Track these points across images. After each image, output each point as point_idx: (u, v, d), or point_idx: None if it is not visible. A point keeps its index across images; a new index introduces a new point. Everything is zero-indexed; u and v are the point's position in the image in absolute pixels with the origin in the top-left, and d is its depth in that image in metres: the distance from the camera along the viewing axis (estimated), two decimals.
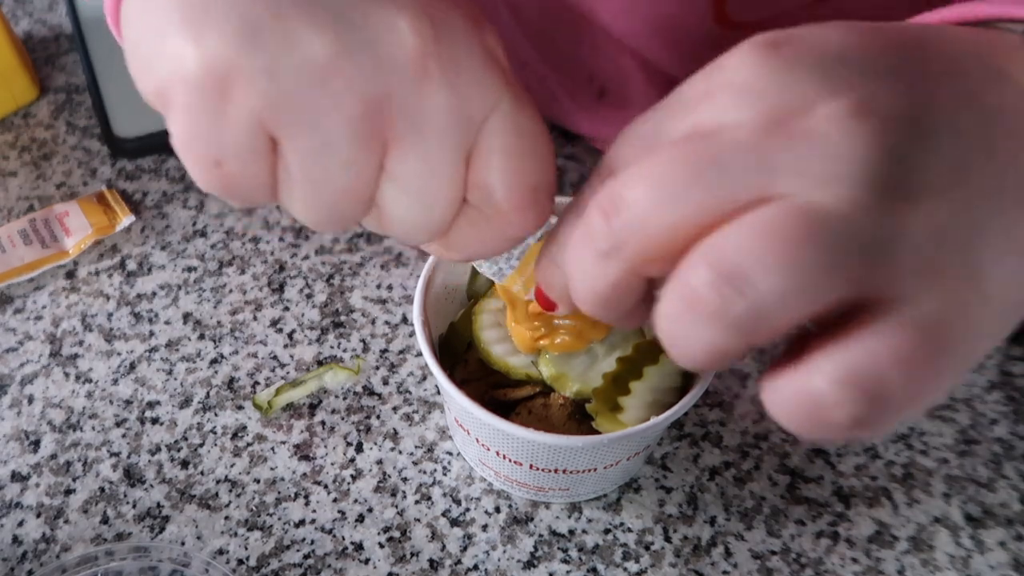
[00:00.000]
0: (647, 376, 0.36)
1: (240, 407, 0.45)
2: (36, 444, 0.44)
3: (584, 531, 0.41)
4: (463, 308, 0.41)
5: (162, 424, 0.45)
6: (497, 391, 0.39)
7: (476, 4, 0.27)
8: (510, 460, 0.38)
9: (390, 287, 0.50)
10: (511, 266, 0.31)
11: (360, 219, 0.26)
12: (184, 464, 0.43)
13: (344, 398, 0.45)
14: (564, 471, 0.38)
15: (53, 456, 0.43)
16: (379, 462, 0.43)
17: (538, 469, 0.38)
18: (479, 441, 0.38)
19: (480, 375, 0.39)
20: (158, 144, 0.55)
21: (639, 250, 0.22)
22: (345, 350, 0.47)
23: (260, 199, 0.25)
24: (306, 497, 0.42)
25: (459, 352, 0.40)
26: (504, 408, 0.38)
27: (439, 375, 0.36)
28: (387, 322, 0.48)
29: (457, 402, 0.36)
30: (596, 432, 0.36)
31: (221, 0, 0.23)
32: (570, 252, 0.24)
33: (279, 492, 0.42)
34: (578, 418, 0.38)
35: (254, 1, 0.23)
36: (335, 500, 0.42)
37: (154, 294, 0.49)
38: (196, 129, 0.24)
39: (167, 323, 0.48)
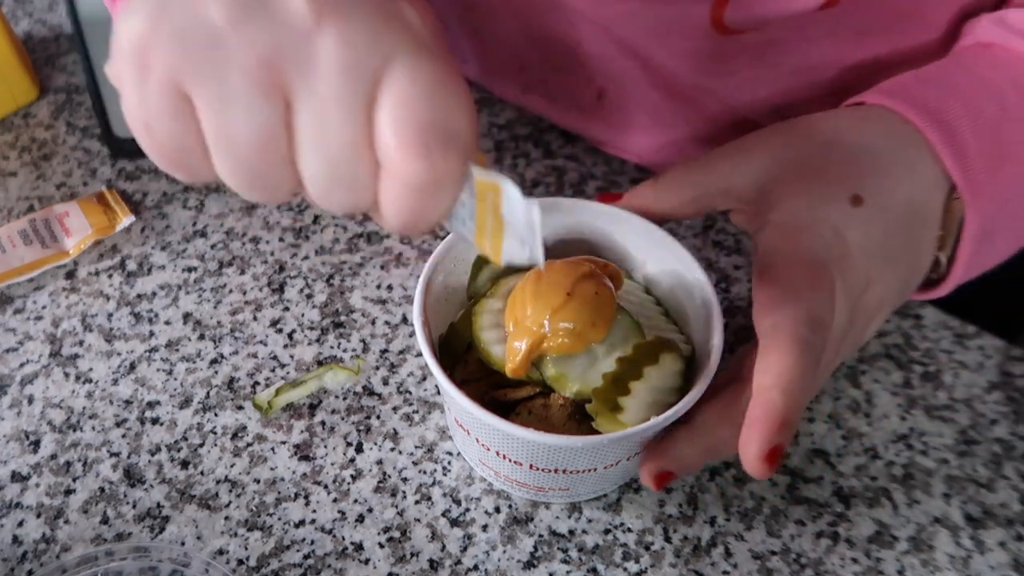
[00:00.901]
0: (647, 376, 0.36)
1: (240, 407, 0.45)
2: (36, 444, 0.44)
3: (584, 531, 0.41)
4: (463, 308, 0.41)
5: (162, 424, 0.45)
6: (497, 391, 0.39)
7: None
8: (510, 460, 0.38)
9: (390, 287, 0.50)
10: (468, 229, 0.29)
11: (287, 185, 0.27)
12: (184, 464, 0.43)
13: (344, 398, 0.45)
14: (564, 471, 0.38)
15: (53, 456, 0.43)
16: (379, 462, 0.43)
17: (538, 469, 0.38)
18: (479, 441, 0.38)
19: (480, 375, 0.39)
20: None
21: None
22: (345, 350, 0.47)
23: (195, 167, 0.27)
24: (306, 497, 0.42)
25: (459, 352, 0.40)
26: (504, 408, 0.38)
27: (439, 375, 0.36)
28: (387, 322, 0.48)
29: (457, 402, 0.36)
30: (596, 432, 0.36)
31: None
32: None
33: (279, 492, 0.42)
34: (578, 418, 0.38)
35: None
36: (335, 500, 0.42)
37: (154, 294, 0.49)
38: (131, 99, 0.27)
39: (167, 323, 0.48)
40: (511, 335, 0.37)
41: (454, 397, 0.36)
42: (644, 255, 0.42)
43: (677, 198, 0.41)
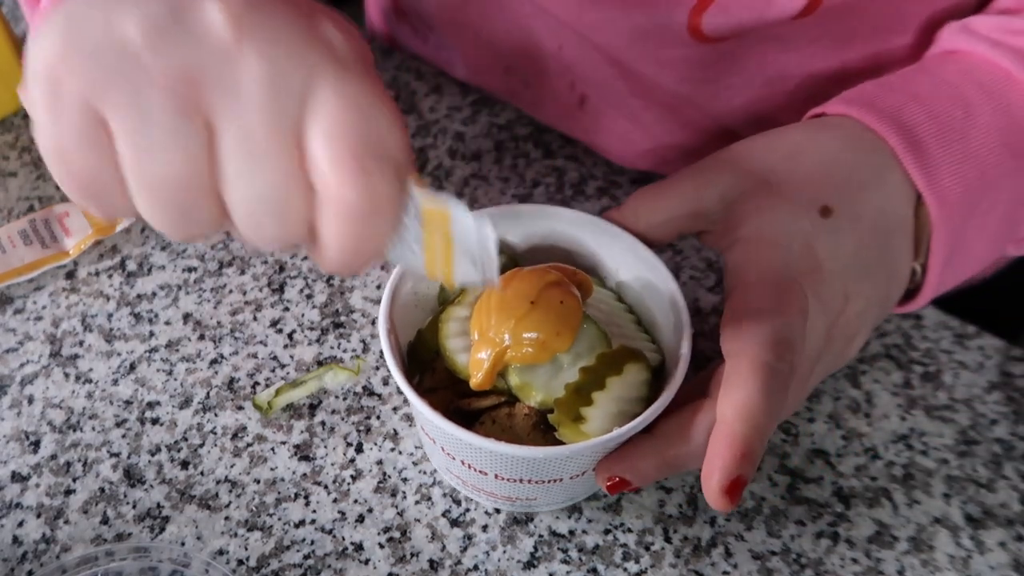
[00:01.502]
0: (610, 387, 0.36)
1: (240, 407, 0.45)
2: (36, 444, 0.44)
3: (584, 531, 0.41)
4: (433, 315, 0.40)
5: (162, 424, 0.45)
6: (463, 400, 0.38)
7: None
8: (475, 470, 0.37)
9: None
10: (415, 254, 0.28)
11: (211, 219, 0.26)
12: (184, 464, 0.43)
13: (344, 398, 0.45)
14: (529, 481, 0.37)
15: (53, 456, 0.43)
16: (379, 462, 0.43)
17: (503, 479, 0.37)
18: (444, 450, 0.38)
19: (448, 383, 0.39)
20: None
21: None
22: (345, 350, 0.47)
23: (111, 200, 0.26)
24: (306, 497, 0.42)
25: (427, 360, 0.39)
26: (470, 417, 0.38)
27: (402, 383, 0.36)
28: None
29: (420, 412, 0.35)
30: (560, 442, 0.36)
31: (57, 5, 0.25)
32: None
33: (279, 492, 0.42)
34: (543, 428, 0.37)
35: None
36: (335, 500, 0.42)
37: (154, 294, 0.49)
38: (43, 123, 0.25)
39: (167, 323, 0.48)
40: (475, 345, 0.36)
41: (417, 406, 0.35)
42: (616, 262, 0.41)
43: (644, 223, 0.40)
